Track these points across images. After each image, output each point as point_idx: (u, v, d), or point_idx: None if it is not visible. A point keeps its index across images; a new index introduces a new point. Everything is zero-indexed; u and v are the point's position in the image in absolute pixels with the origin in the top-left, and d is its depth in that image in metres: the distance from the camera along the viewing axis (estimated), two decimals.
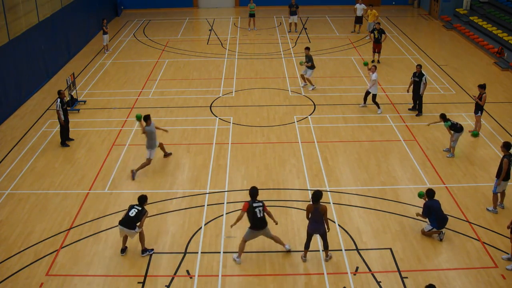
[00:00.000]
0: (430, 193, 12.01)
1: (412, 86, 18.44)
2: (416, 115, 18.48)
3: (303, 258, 11.46)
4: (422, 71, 18.33)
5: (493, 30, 27.01)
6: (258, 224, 11.12)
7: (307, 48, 20.88)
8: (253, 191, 11.12)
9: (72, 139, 16.91)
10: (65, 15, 25.23)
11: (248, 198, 11.22)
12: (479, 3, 30.94)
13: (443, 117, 15.59)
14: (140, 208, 11.41)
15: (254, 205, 11.00)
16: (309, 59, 20.55)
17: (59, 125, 16.72)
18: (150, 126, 14.76)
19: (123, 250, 11.74)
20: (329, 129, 17.64)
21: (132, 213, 11.33)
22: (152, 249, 11.79)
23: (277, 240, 11.52)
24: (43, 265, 11.44)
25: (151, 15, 34.62)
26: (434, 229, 12.07)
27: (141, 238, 11.57)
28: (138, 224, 11.29)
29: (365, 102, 19.13)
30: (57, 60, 23.90)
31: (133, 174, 14.76)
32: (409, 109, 18.95)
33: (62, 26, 24.67)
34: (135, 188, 14.31)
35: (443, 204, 13.35)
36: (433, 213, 11.97)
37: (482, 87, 16.74)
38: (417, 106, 18.61)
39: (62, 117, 16.26)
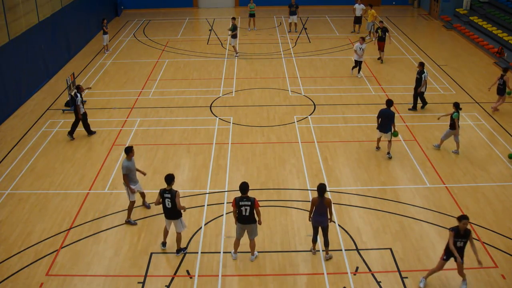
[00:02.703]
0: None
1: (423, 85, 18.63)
2: (421, 107, 18.81)
3: (313, 251, 11.58)
4: (424, 69, 18.41)
5: (493, 30, 27.00)
6: (242, 220, 11.12)
7: (233, 18, 25.32)
8: (241, 186, 11.00)
9: (94, 132, 17.47)
10: (65, 15, 25.23)
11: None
12: (479, 3, 30.93)
13: (456, 105, 15.51)
14: (169, 195, 11.10)
15: (241, 203, 10.96)
16: (234, 28, 24.29)
17: (74, 119, 17.06)
18: (130, 162, 12.45)
19: (164, 243, 11.79)
20: (329, 129, 17.64)
21: (169, 204, 11.17)
22: (185, 248, 11.78)
23: (251, 245, 11.41)
24: (43, 265, 11.44)
25: (151, 15, 34.63)
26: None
27: (178, 238, 11.54)
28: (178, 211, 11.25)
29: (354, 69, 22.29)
30: (57, 60, 23.90)
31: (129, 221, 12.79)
32: (409, 109, 18.96)
33: (62, 26, 24.67)
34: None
35: (443, 203, 13.40)
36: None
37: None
38: (421, 100, 18.75)
39: (83, 110, 16.91)
